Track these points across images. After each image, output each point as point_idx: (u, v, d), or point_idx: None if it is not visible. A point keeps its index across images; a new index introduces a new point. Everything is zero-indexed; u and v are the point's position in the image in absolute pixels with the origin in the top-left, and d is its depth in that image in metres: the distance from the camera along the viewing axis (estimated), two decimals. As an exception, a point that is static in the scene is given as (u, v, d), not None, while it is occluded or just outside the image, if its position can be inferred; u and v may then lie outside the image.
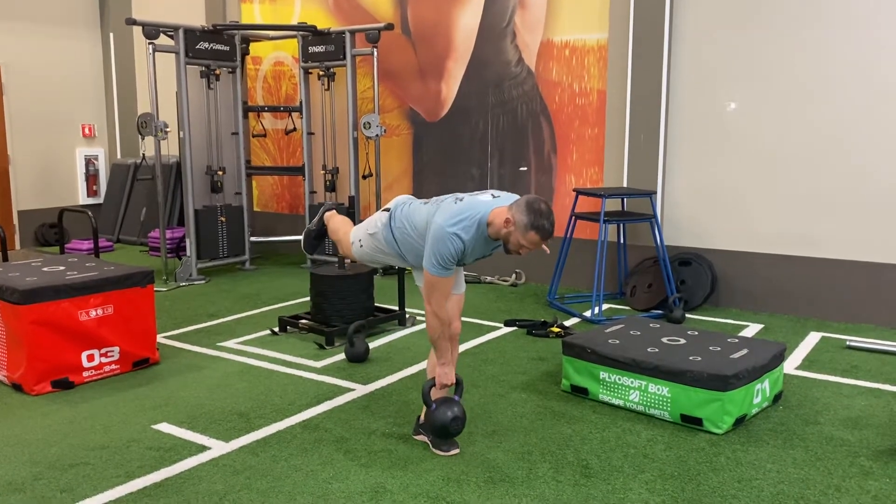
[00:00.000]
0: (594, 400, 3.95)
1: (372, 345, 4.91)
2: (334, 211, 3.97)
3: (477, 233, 3.11)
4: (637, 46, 6.02)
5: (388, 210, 3.42)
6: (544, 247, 3.54)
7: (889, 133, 5.24)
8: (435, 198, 3.34)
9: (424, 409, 3.47)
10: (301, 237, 4.11)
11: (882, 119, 5.26)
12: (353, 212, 6.92)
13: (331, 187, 7.48)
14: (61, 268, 4.52)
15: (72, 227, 9.26)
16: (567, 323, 5.48)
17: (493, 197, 3.19)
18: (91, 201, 9.51)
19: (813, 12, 5.43)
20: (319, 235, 4.00)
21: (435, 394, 3.39)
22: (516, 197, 3.19)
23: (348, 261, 5.34)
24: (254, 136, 8.06)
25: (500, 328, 5.39)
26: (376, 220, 3.47)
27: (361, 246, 3.56)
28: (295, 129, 7.74)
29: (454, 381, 3.39)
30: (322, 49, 7.25)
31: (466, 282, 3.59)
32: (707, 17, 5.82)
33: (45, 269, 4.50)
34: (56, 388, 4.12)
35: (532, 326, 5.29)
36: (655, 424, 3.66)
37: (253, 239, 7.78)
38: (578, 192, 5.91)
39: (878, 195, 5.32)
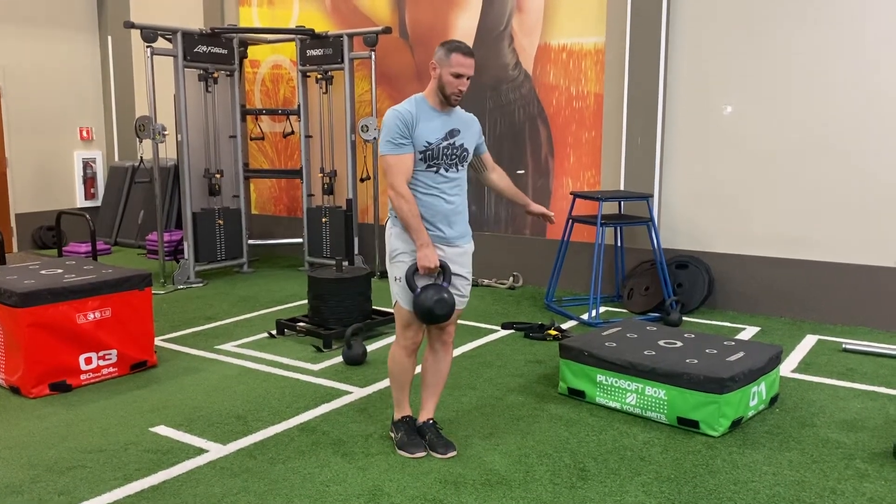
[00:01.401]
0: (591, 403, 3.95)
1: (369, 348, 4.92)
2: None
3: (417, 105, 3.21)
4: (634, 50, 6.04)
5: (388, 219, 3.42)
6: (548, 216, 3.52)
7: (885, 136, 5.26)
8: None
9: (420, 411, 3.48)
10: (400, 451, 3.40)
11: (878, 122, 5.28)
12: (350, 215, 6.94)
13: (328, 190, 7.49)
14: (59, 271, 4.53)
15: (70, 230, 9.27)
16: (564, 326, 5.48)
17: None
18: (89, 204, 9.52)
19: (809, 15, 5.45)
20: (410, 431, 3.46)
21: (420, 280, 3.19)
22: None
23: (345, 263, 5.33)
24: (252, 139, 8.08)
25: (497, 331, 5.40)
26: (386, 237, 3.37)
27: (398, 280, 3.26)
28: (293, 132, 7.75)
29: (437, 265, 3.16)
30: (320, 52, 7.26)
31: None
32: (703, 20, 5.84)
33: (42, 271, 4.50)
34: (54, 391, 4.12)
35: (529, 329, 5.30)
36: (652, 427, 3.67)
37: (251, 242, 7.79)
38: (575, 195, 5.92)
39: (875, 198, 5.34)
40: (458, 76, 3.16)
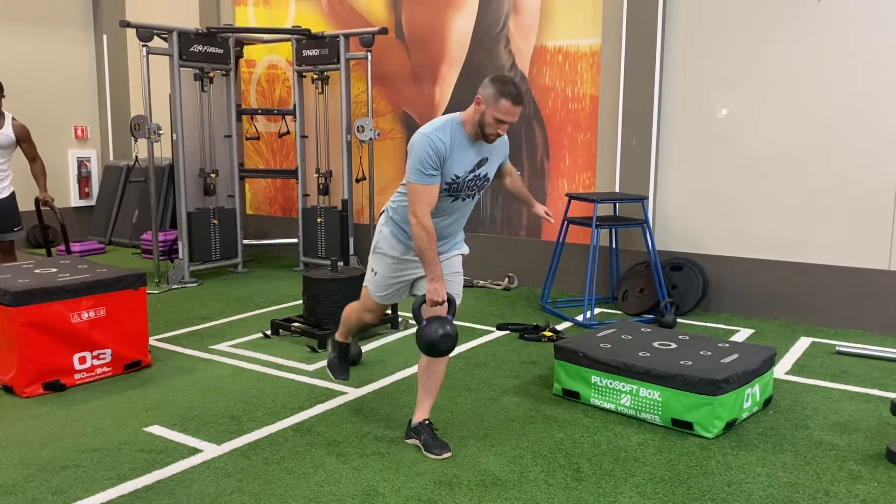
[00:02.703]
0: (586, 404, 3.96)
1: (364, 348, 4.91)
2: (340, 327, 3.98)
3: (452, 134, 3.13)
4: (630, 52, 6.06)
5: (383, 212, 3.47)
6: (547, 217, 3.58)
7: (879, 139, 5.29)
8: None
9: (416, 411, 3.48)
10: (329, 373, 4.07)
11: (872, 125, 5.30)
12: (346, 215, 6.94)
13: (324, 191, 7.48)
14: (53, 270, 4.51)
15: (63, 229, 9.24)
16: (559, 327, 5.49)
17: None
18: (83, 203, 9.49)
19: (804, 19, 5.47)
20: (342, 356, 4.01)
21: (426, 312, 3.26)
22: None
23: (341, 264, 5.33)
24: (247, 139, 8.07)
25: (492, 332, 5.40)
26: (376, 234, 3.47)
27: (375, 273, 3.47)
28: (288, 132, 7.75)
29: (445, 299, 3.22)
30: (316, 52, 7.26)
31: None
32: (699, 23, 5.86)
33: (37, 270, 4.49)
34: (47, 391, 4.11)
35: (524, 330, 5.30)
36: (646, 428, 3.68)
37: (245, 242, 7.78)
38: (571, 196, 5.93)
39: (869, 200, 5.36)
40: (500, 122, 3.10)
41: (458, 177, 3.18)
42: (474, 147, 3.20)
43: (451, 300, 3.29)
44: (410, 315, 5.47)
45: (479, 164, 3.25)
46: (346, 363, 4.03)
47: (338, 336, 3.99)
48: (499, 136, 3.18)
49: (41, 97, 9.02)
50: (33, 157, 6.11)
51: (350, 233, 7.23)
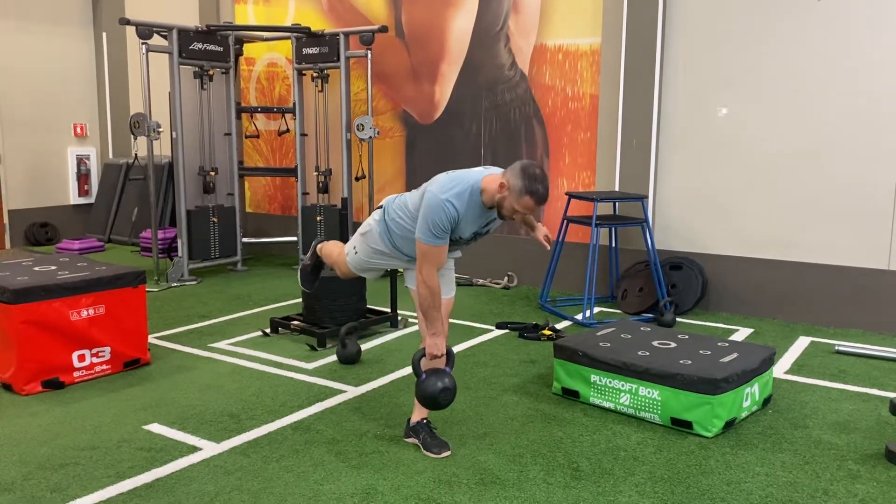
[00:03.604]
0: (585, 403, 3.96)
1: (364, 347, 4.91)
2: (324, 241, 3.99)
3: (470, 200, 3.10)
4: (630, 51, 6.06)
5: (381, 207, 3.46)
6: (545, 243, 3.58)
7: (878, 138, 5.29)
8: (425, 183, 3.35)
9: (415, 410, 3.49)
10: (298, 275, 4.14)
11: (871, 124, 5.30)
12: (345, 213, 6.93)
13: (323, 189, 7.48)
14: (52, 267, 4.51)
15: (62, 227, 9.25)
16: (558, 326, 5.49)
17: (485, 168, 3.25)
18: (82, 201, 9.49)
19: (805, 19, 5.47)
20: (316, 269, 4.03)
21: (425, 365, 3.33)
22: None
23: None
24: (247, 137, 8.06)
25: (491, 331, 5.40)
26: (369, 220, 3.49)
27: (356, 252, 3.55)
28: (288, 131, 7.74)
29: (444, 353, 3.30)
30: (316, 51, 7.25)
31: (458, 284, 3.58)
32: (699, 23, 5.86)
33: (36, 268, 4.49)
34: (46, 388, 4.11)
35: (524, 329, 5.30)
36: (646, 427, 3.68)
37: (245, 240, 7.77)
38: (570, 195, 5.93)
39: (868, 200, 5.36)
40: (518, 212, 3.10)
41: (462, 237, 3.23)
42: (485, 212, 3.19)
43: (449, 353, 3.36)
44: (410, 314, 5.47)
45: (487, 224, 3.28)
46: (315, 277, 4.07)
47: (318, 249, 3.97)
48: (512, 220, 3.18)
49: (40, 95, 9.01)
50: None
51: (350, 231, 7.21)
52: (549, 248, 3.67)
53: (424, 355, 3.31)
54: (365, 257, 3.52)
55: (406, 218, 3.29)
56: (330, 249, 3.86)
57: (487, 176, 3.13)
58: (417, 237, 3.14)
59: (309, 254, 4.01)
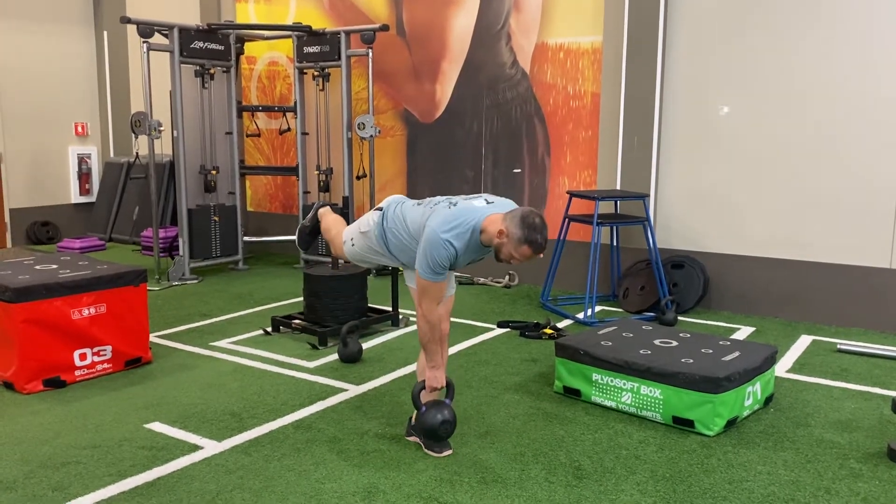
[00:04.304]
0: (586, 401, 3.96)
1: (365, 345, 4.91)
2: (328, 208, 3.99)
3: (470, 239, 3.11)
4: (631, 49, 6.05)
5: (380, 209, 3.44)
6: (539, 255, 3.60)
7: (879, 137, 5.28)
8: (428, 199, 3.34)
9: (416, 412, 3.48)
10: (295, 234, 4.13)
11: (873, 123, 5.29)
12: (346, 212, 6.93)
13: (325, 188, 7.48)
14: (54, 266, 4.51)
15: (63, 226, 9.25)
16: (560, 325, 5.49)
17: (487, 203, 3.18)
18: (84, 200, 9.49)
19: (806, 18, 5.46)
20: (313, 232, 4.03)
21: (425, 397, 3.39)
22: (510, 202, 3.20)
23: (341, 261, 5.34)
24: (248, 136, 8.06)
25: (493, 329, 5.40)
26: (369, 218, 3.48)
27: (353, 245, 3.55)
28: (289, 129, 7.74)
29: (444, 385, 3.39)
30: (317, 49, 7.25)
31: (459, 283, 3.59)
32: (701, 21, 5.85)
33: (37, 267, 4.49)
34: (48, 387, 4.11)
35: (525, 328, 5.30)
36: (647, 426, 3.68)
37: (246, 239, 7.77)
38: (572, 194, 5.92)
39: (870, 199, 5.35)
40: (515, 259, 3.09)
41: (455, 266, 3.22)
42: (483, 248, 3.20)
43: (449, 385, 3.40)
44: (411, 313, 5.47)
45: (482, 256, 3.28)
46: (312, 239, 4.07)
47: (320, 216, 3.98)
48: (509, 263, 3.16)
49: (42, 94, 9.01)
50: None
51: (351, 230, 7.22)
52: (541, 256, 3.68)
53: (424, 388, 3.36)
54: (361, 252, 3.54)
55: (403, 234, 3.29)
56: (329, 224, 3.86)
57: (489, 216, 3.11)
58: (417, 271, 3.16)
59: (310, 215, 4.01)
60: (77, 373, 4.24)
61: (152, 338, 4.97)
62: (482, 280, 6.91)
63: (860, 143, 5.35)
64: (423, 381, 3.37)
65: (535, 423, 3.71)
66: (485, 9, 6.83)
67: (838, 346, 4.94)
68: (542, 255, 3.12)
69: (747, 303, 5.87)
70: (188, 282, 6.93)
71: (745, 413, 3.75)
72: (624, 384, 3.79)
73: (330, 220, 3.89)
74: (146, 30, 6.64)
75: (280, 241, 8.05)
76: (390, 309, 5.45)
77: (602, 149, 6.36)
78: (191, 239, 7.08)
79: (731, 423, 3.62)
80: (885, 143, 5.26)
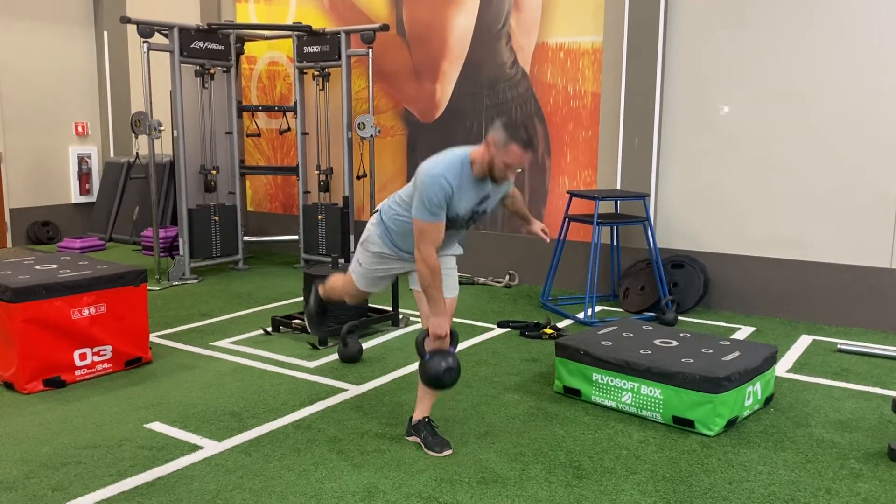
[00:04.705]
0: (587, 401, 3.96)
1: (365, 345, 4.91)
2: (322, 280, 3.92)
3: (462, 172, 3.14)
4: (631, 49, 6.05)
5: (377, 211, 3.48)
6: (544, 236, 3.59)
7: (880, 137, 5.28)
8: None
9: (416, 409, 3.48)
10: (304, 320, 4.05)
11: (873, 123, 5.29)
12: (346, 212, 6.93)
13: (325, 188, 7.48)
14: (54, 266, 4.51)
15: (64, 226, 9.25)
16: (560, 324, 5.49)
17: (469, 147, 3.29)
18: (84, 200, 9.49)
19: (806, 18, 5.46)
20: (321, 311, 3.97)
21: (428, 345, 3.29)
22: None
23: (342, 262, 5.33)
24: (248, 136, 8.06)
25: (493, 329, 5.40)
26: (367, 226, 3.50)
27: (360, 264, 3.53)
28: (289, 129, 7.74)
29: (448, 333, 3.26)
30: (317, 49, 7.24)
31: (460, 283, 3.57)
32: (701, 21, 5.85)
33: (37, 267, 4.48)
34: (48, 387, 4.11)
35: (525, 328, 5.30)
36: (647, 426, 3.68)
37: (246, 238, 7.77)
38: (572, 194, 5.92)
39: (870, 198, 5.35)
40: (509, 166, 3.11)
41: (459, 214, 3.22)
42: (479, 185, 3.21)
43: (453, 333, 3.33)
44: (412, 312, 5.47)
45: (482, 201, 3.28)
46: (322, 319, 3.99)
47: (321, 290, 3.89)
48: (507, 179, 3.19)
49: (42, 93, 9.01)
50: None
51: (351, 230, 7.21)
52: (548, 240, 3.70)
53: (427, 335, 3.27)
54: (369, 266, 3.50)
55: (401, 209, 3.30)
56: (333, 282, 3.81)
57: (475, 149, 3.20)
58: (413, 217, 3.16)
59: (312, 299, 3.94)
60: (77, 373, 4.24)
61: (152, 338, 4.97)
62: (482, 280, 6.91)
63: (860, 142, 5.35)
64: (427, 329, 3.29)
65: (535, 423, 3.71)
66: (485, 9, 6.83)
67: (838, 346, 4.94)
68: (531, 156, 3.14)
69: (747, 303, 5.86)
70: (188, 282, 6.93)
71: (746, 413, 3.75)
72: (624, 384, 3.79)
73: (332, 280, 3.82)
74: (146, 30, 6.64)
75: (280, 241, 8.06)
76: (390, 309, 5.45)
77: (602, 149, 6.35)
78: (191, 239, 7.08)
79: (731, 423, 3.62)
80: (886, 143, 5.26)
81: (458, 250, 3.53)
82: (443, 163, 3.15)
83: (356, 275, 3.58)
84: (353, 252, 3.66)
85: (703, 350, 3.88)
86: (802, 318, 5.66)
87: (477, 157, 3.16)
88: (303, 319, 5.22)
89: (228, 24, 7.58)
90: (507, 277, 6.89)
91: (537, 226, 3.72)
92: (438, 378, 3.24)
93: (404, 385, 4.22)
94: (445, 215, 3.16)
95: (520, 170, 3.18)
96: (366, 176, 7.28)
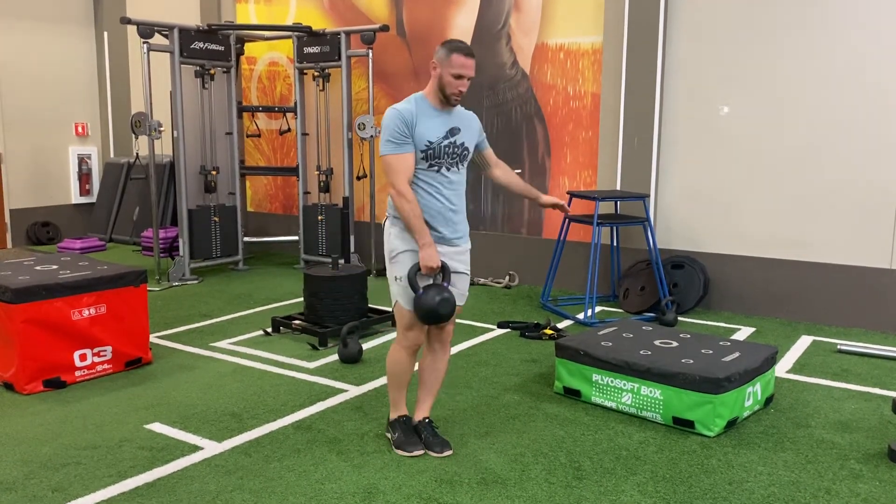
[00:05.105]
0: (587, 402, 3.96)
1: (365, 346, 4.91)
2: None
3: (417, 104, 3.19)
4: (631, 50, 6.05)
5: (386, 217, 3.38)
6: (559, 202, 3.52)
7: (879, 137, 5.28)
8: None
9: (416, 409, 3.48)
10: (398, 450, 3.40)
11: (872, 123, 5.29)
12: (346, 212, 6.93)
13: (325, 188, 7.48)
14: (54, 266, 4.51)
15: (64, 226, 9.25)
16: (560, 325, 5.49)
17: None
18: (84, 200, 9.49)
19: (805, 19, 5.46)
20: (406, 430, 3.45)
21: (421, 280, 3.18)
22: None
23: (341, 262, 5.32)
24: (248, 137, 8.06)
25: (493, 330, 5.40)
26: (385, 237, 3.35)
27: (398, 280, 3.24)
28: (289, 130, 7.74)
29: (439, 264, 3.16)
30: (317, 50, 7.25)
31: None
32: (701, 22, 5.85)
33: (37, 267, 4.49)
34: (48, 388, 4.11)
35: (525, 328, 5.30)
36: (647, 427, 3.68)
37: (246, 239, 7.78)
38: (572, 194, 5.92)
39: (870, 199, 5.35)
40: (458, 77, 3.14)
41: (431, 142, 3.18)
42: (441, 115, 3.23)
43: (444, 266, 3.22)
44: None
45: (451, 133, 3.25)
46: (413, 435, 3.43)
47: (391, 415, 3.50)
48: (461, 94, 3.19)
49: (42, 94, 9.01)
50: None
51: (351, 230, 7.22)
52: (567, 207, 3.60)
53: (419, 270, 3.16)
54: (404, 271, 3.21)
55: None
56: (391, 370, 3.43)
57: (426, 87, 3.26)
58: (381, 155, 3.19)
59: (389, 433, 3.49)
60: (77, 373, 4.24)
61: (152, 338, 4.97)
62: (482, 280, 6.91)
63: (861, 142, 5.35)
64: (417, 263, 3.16)
65: (535, 424, 3.71)
66: (485, 9, 6.83)
67: (838, 347, 4.94)
68: (473, 61, 3.16)
69: (747, 303, 5.86)
70: (188, 282, 6.93)
71: (746, 414, 3.75)
72: (624, 385, 3.79)
73: (389, 371, 3.46)
74: (146, 30, 6.64)
75: (280, 242, 8.06)
76: (390, 309, 5.44)
77: (602, 149, 6.35)
78: (191, 239, 7.08)
79: (731, 424, 3.62)
80: (886, 143, 5.26)
81: (468, 243, 3.43)
82: (399, 103, 3.23)
83: (401, 297, 3.24)
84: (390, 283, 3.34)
85: (703, 351, 3.88)
86: (802, 319, 5.66)
87: (429, 88, 3.23)
88: (303, 320, 5.23)
89: (228, 24, 7.59)
90: (507, 278, 6.89)
91: (547, 198, 3.60)
92: (434, 310, 3.13)
93: (404, 386, 4.22)
94: (417, 147, 3.15)
95: (468, 79, 3.16)
96: (366, 176, 7.28)
